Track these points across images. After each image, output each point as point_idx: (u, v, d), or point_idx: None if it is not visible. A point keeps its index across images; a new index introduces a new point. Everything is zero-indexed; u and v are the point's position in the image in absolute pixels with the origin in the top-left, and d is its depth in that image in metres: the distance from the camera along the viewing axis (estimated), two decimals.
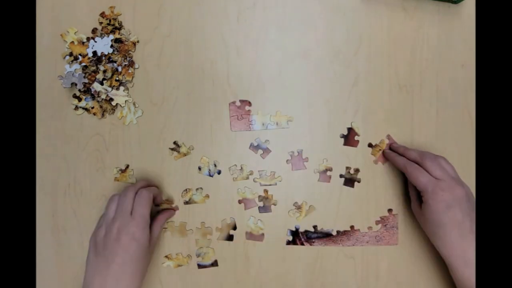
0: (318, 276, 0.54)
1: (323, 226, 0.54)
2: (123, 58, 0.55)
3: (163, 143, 0.55)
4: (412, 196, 0.51)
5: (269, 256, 0.54)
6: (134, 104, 0.55)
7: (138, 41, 0.55)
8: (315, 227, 0.54)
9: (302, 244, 0.54)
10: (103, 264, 0.44)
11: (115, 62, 0.55)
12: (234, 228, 0.54)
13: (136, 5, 0.55)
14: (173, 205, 0.54)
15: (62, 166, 0.55)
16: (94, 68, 0.55)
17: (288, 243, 0.54)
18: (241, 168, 0.54)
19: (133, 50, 0.55)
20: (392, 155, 0.52)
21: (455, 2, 0.54)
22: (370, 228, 0.54)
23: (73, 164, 0.55)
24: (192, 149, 0.55)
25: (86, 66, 0.55)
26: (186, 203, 0.54)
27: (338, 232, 0.54)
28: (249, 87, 0.55)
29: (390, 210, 0.54)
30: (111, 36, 0.55)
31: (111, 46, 0.55)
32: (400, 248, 0.54)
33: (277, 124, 0.54)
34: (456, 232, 0.45)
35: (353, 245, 0.54)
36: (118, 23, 0.55)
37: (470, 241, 0.44)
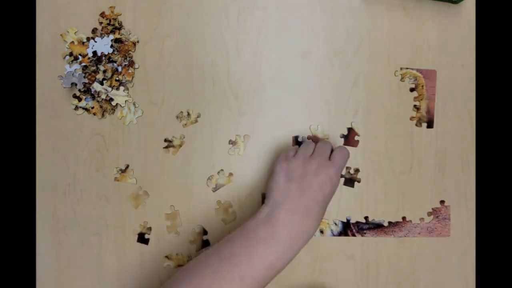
0: (318, 276, 0.54)
1: (375, 217, 0.54)
2: (123, 58, 0.55)
3: (163, 143, 0.55)
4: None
5: None
6: (134, 104, 0.55)
7: (138, 41, 0.55)
8: (366, 218, 0.54)
9: (353, 235, 0.54)
10: (297, 191, 0.43)
11: (115, 62, 0.55)
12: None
13: (136, 5, 0.55)
14: None
15: (62, 166, 0.55)
16: (94, 68, 0.55)
17: (339, 234, 0.54)
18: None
19: (133, 50, 0.55)
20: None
21: (455, 2, 0.54)
22: (422, 219, 0.54)
23: (73, 164, 0.55)
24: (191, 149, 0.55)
25: (86, 66, 0.55)
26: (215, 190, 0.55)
27: (389, 223, 0.54)
28: (249, 87, 0.55)
29: (442, 202, 0.54)
30: (111, 36, 0.55)
31: (111, 46, 0.55)
32: (400, 248, 0.54)
33: None
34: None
35: (405, 236, 0.54)
36: (118, 23, 0.55)
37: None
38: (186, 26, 0.55)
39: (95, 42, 0.55)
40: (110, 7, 0.55)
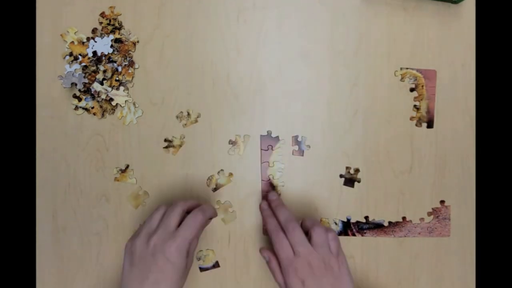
0: None
1: (375, 217, 0.54)
2: (123, 58, 0.55)
3: (163, 143, 0.55)
4: (275, 266, 0.47)
5: None
6: (134, 104, 0.55)
7: (138, 41, 0.55)
8: (366, 217, 0.54)
9: (353, 235, 0.54)
10: (138, 276, 0.42)
11: (115, 62, 0.55)
12: None
13: (136, 5, 0.55)
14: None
15: (62, 166, 0.55)
16: (94, 68, 0.55)
17: (339, 234, 0.54)
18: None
19: (133, 50, 0.55)
20: (266, 214, 0.50)
21: (455, 2, 0.54)
22: (422, 219, 0.54)
23: (73, 164, 0.55)
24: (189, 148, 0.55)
25: (86, 66, 0.55)
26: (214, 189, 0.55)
27: (390, 223, 0.54)
28: (249, 87, 0.55)
29: (442, 202, 0.54)
30: (111, 36, 0.55)
31: (111, 46, 0.55)
32: (400, 247, 0.54)
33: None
34: None
35: (405, 236, 0.54)
36: (118, 23, 0.55)
37: None
38: (186, 26, 0.55)
39: (95, 42, 0.55)
40: (110, 7, 0.55)
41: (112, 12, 0.55)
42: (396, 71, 0.54)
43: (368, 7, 0.55)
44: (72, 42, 0.55)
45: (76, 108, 0.55)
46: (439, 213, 0.54)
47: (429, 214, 0.54)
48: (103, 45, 0.55)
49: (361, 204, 0.54)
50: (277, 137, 0.55)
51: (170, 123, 0.55)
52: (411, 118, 0.54)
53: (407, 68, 0.54)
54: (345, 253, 0.54)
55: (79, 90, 0.55)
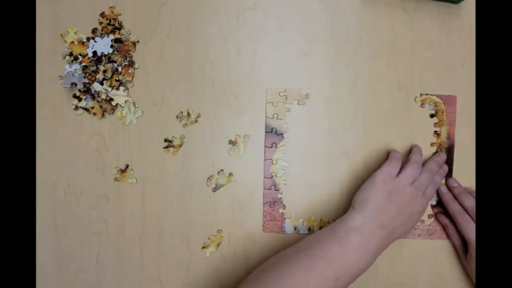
0: None
1: None
2: (123, 58, 0.55)
3: (163, 143, 0.55)
4: (456, 242, 0.53)
5: (269, 255, 0.54)
6: (134, 104, 0.55)
7: (138, 41, 0.55)
8: None
9: None
10: (393, 212, 0.46)
11: (115, 62, 0.55)
12: None
13: (136, 5, 0.55)
14: None
15: (62, 166, 0.55)
16: (94, 68, 0.55)
17: None
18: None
19: (133, 50, 0.55)
20: (447, 197, 0.53)
21: (455, 2, 0.54)
22: (422, 221, 0.54)
23: (73, 164, 0.55)
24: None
25: (86, 66, 0.55)
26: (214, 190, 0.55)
27: None
28: (249, 87, 0.55)
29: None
30: (111, 36, 0.55)
31: (111, 46, 0.55)
32: (400, 249, 0.54)
33: (309, 229, 0.54)
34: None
35: (405, 237, 0.53)
36: (118, 23, 0.55)
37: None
38: (186, 26, 0.55)
39: (95, 42, 0.55)
40: (110, 7, 0.55)
41: (112, 12, 0.55)
42: (416, 97, 0.54)
43: (368, 7, 0.55)
44: (72, 42, 0.55)
45: (76, 108, 0.55)
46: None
47: (430, 216, 0.54)
48: (103, 45, 0.55)
49: None
50: (282, 134, 0.55)
51: (170, 123, 0.55)
52: (432, 144, 0.54)
53: (427, 94, 0.54)
54: None
55: (79, 90, 0.55)
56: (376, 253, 0.45)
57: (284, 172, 0.55)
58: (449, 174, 0.54)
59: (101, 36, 0.55)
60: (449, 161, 0.54)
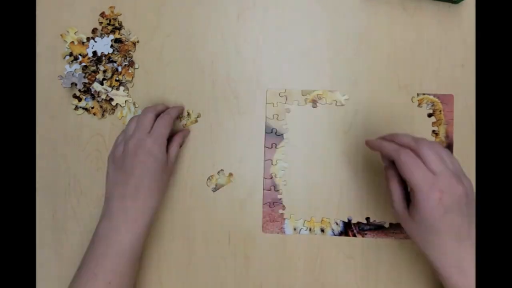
0: (318, 276, 0.54)
1: (376, 218, 0.54)
2: (123, 58, 0.55)
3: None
4: (396, 192, 0.42)
5: (269, 256, 0.54)
6: (134, 104, 0.55)
7: (138, 41, 0.55)
8: (367, 219, 0.54)
9: (354, 235, 0.54)
10: (122, 177, 0.45)
11: (115, 62, 0.55)
12: None
13: (136, 5, 0.55)
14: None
15: (62, 166, 0.55)
16: (94, 68, 0.55)
17: (340, 234, 0.54)
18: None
19: (133, 50, 0.55)
20: (378, 141, 0.44)
21: (455, 2, 0.54)
22: None
23: (73, 164, 0.55)
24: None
25: (86, 66, 0.55)
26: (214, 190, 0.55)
27: (391, 225, 0.54)
28: (249, 87, 0.55)
29: None
30: (111, 36, 0.55)
31: (111, 46, 0.55)
32: (400, 249, 0.54)
33: (310, 230, 0.54)
34: (453, 239, 0.39)
35: (405, 238, 0.53)
36: (118, 23, 0.55)
37: (468, 248, 0.39)
38: (186, 26, 0.55)
39: (95, 42, 0.55)
40: (110, 7, 0.55)
41: (112, 12, 0.55)
42: (413, 97, 0.54)
43: (368, 7, 0.55)
44: (72, 42, 0.55)
45: (76, 108, 0.55)
46: None
47: None
48: (103, 45, 0.55)
49: (362, 205, 0.54)
50: (282, 135, 0.55)
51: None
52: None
53: (423, 94, 0.54)
54: (345, 253, 0.54)
55: (79, 90, 0.55)
56: (131, 227, 0.45)
57: (284, 173, 0.55)
58: None
59: (101, 36, 0.55)
60: None
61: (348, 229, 0.54)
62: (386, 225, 0.54)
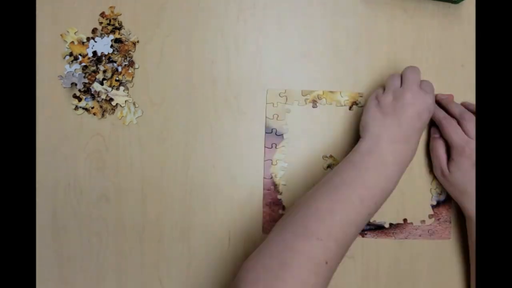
0: None
1: (376, 218, 0.54)
2: (123, 58, 0.55)
3: (163, 143, 0.55)
4: (440, 156, 0.51)
5: None
6: (134, 104, 0.55)
7: (138, 41, 0.55)
8: None
9: None
10: (394, 122, 0.46)
11: (115, 62, 0.55)
12: None
13: (136, 5, 0.55)
14: None
15: (62, 166, 0.55)
16: (94, 68, 0.55)
17: None
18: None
19: (133, 50, 0.55)
20: (437, 108, 0.52)
21: (455, 2, 0.54)
22: (423, 221, 0.54)
23: (73, 164, 0.55)
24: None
25: (86, 66, 0.55)
26: None
27: (391, 224, 0.54)
28: (249, 87, 0.55)
29: (443, 204, 0.54)
30: (111, 36, 0.55)
31: (111, 46, 0.55)
32: (400, 249, 0.54)
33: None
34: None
35: (406, 238, 0.54)
36: (118, 23, 0.55)
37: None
38: (186, 26, 0.55)
39: (95, 42, 0.55)
40: (110, 7, 0.55)
41: (112, 12, 0.55)
42: None
43: (368, 7, 0.55)
44: (72, 42, 0.55)
45: (76, 108, 0.55)
46: (440, 215, 0.54)
47: (430, 216, 0.54)
48: (103, 45, 0.55)
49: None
50: (282, 135, 0.55)
51: (170, 123, 0.55)
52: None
53: None
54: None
55: (79, 90, 0.55)
56: (397, 169, 0.45)
57: (284, 173, 0.55)
58: None
59: (101, 36, 0.55)
60: None
61: None
62: (386, 225, 0.54)
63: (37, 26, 0.55)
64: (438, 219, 0.54)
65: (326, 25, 0.55)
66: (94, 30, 0.55)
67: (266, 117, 0.55)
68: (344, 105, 0.55)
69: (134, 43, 0.55)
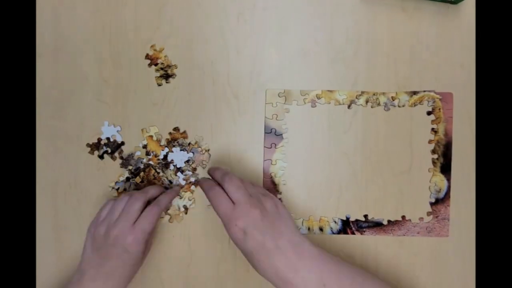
0: None
1: (374, 216, 0.54)
2: None
3: (163, 143, 0.55)
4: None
5: None
6: None
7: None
8: (366, 216, 0.54)
9: (353, 233, 0.54)
10: (97, 260, 0.46)
11: None
12: None
13: (137, 5, 0.55)
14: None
15: (62, 166, 0.55)
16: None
17: (339, 232, 0.54)
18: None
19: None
20: (200, 181, 0.50)
21: (455, 3, 0.54)
22: (421, 219, 0.54)
23: (74, 164, 0.55)
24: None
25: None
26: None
27: (389, 221, 0.54)
28: (249, 87, 0.55)
29: (442, 201, 0.54)
30: (190, 154, 0.55)
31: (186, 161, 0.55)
32: (399, 247, 0.54)
33: (308, 229, 0.54)
34: (263, 254, 0.42)
35: (404, 235, 0.54)
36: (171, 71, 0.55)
37: (278, 259, 0.42)
38: (187, 26, 0.55)
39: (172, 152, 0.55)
40: (152, 46, 0.55)
41: (156, 50, 0.55)
42: (413, 95, 0.54)
43: (368, 8, 0.55)
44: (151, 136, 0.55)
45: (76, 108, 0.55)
46: (438, 213, 0.54)
47: (429, 214, 0.54)
48: (179, 159, 0.55)
49: (361, 203, 0.54)
50: (281, 135, 0.55)
51: (170, 123, 0.55)
52: (430, 142, 0.54)
53: (424, 91, 0.54)
54: (344, 252, 0.54)
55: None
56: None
57: (283, 173, 0.55)
58: (447, 170, 0.54)
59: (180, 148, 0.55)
60: (447, 158, 0.54)
61: (346, 227, 0.54)
62: (384, 222, 0.54)
63: (37, 26, 0.55)
64: (437, 217, 0.54)
65: (325, 25, 0.55)
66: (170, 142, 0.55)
67: (265, 117, 0.55)
68: (343, 104, 0.55)
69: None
